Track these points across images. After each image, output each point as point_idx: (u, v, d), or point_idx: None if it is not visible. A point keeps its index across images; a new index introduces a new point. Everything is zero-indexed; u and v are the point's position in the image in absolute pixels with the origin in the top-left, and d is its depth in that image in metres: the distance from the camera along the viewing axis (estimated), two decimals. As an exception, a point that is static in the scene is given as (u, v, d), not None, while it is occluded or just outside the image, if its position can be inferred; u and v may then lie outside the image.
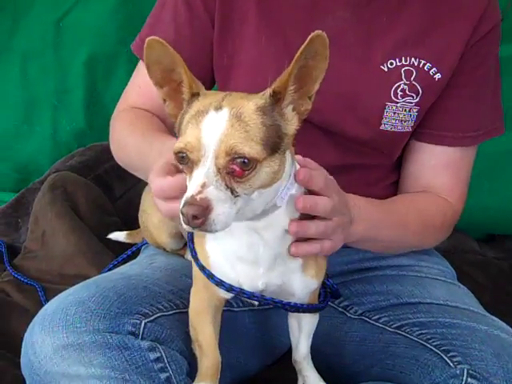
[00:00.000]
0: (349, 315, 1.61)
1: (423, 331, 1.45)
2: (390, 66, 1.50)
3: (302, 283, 1.25)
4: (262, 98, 1.06)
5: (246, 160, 1.01)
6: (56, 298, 1.35)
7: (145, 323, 1.29)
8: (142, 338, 1.27)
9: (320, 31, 1.02)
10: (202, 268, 1.23)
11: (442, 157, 1.63)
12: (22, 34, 2.57)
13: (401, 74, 1.50)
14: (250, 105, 1.04)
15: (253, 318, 1.59)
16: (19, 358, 1.35)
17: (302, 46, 1.03)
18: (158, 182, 1.18)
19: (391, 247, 1.62)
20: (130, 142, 1.55)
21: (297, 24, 1.50)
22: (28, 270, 2.16)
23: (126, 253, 1.90)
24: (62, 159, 2.53)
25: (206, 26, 1.55)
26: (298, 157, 1.23)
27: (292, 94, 1.08)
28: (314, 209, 1.18)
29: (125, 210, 2.39)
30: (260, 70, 1.50)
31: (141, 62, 1.66)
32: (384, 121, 1.52)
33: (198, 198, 0.98)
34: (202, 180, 1.00)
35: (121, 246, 2.26)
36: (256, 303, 1.36)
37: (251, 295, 1.24)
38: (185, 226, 1.02)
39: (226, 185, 1.01)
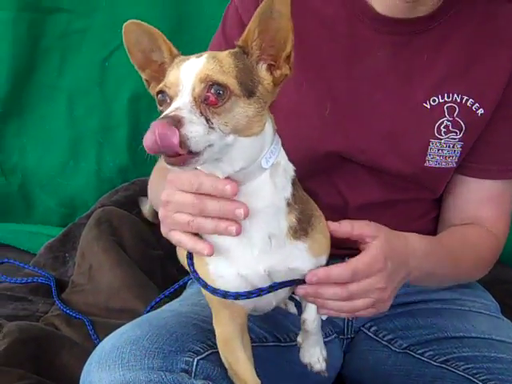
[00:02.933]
0: (393, 349, 1.62)
1: (469, 365, 1.45)
2: (432, 103, 1.50)
3: (310, 265, 1.23)
4: (235, 49, 1.12)
5: (220, 90, 1.04)
6: (111, 336, 1.38)
7: (197, 361, 1.31)
8: (195, 376, 1.29)
9: None
10: (198, 279, 1.23)
11: (487, 190, 1.62)
12: (69, 73, 2.64)
13: (444, 110, 1.50)
14: (225, 52, 1.10)
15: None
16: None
17: (261, 4, 1.07)
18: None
19: (444, 282, 1.63)
20: (153, 184, 1.60)
21: (338, 67, 1.52)
22: (76, 303, 2.20)
23: (173, 287, 1.91)
24: (107, 194, 2.57)
25: None
26: (328, 223, 1.24)
27: (257, 50, 1.11)
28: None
29: (168, 242, 2.40)
30: (302, 115, 1.53)
31: None
32: (428, 157, 1.52)
33: (171, 114, 1.00)
34: (176, 105, 1.03)
35: (164, 279, 2.30)
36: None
37: (248, 294, 1.21)
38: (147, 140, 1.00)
39: (201, 112, 1.03)
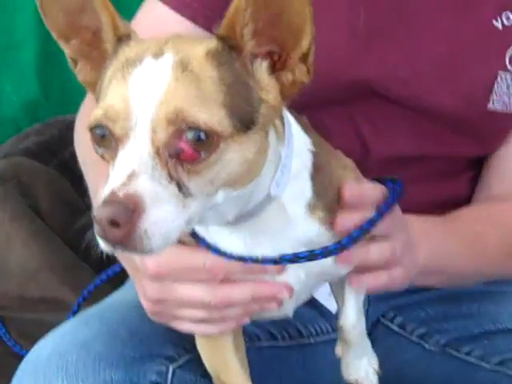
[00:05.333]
0: (428, 347, 1.61)
1: (534, 369, 1.45)
2: (506, 21, 1.47)
3: None
4: (213, 41, 0.95)
5: (201, 134, 0.88)
6: (48, 337, 1.35)
7: (173, 370, 1.31)
8: None
9: None
10: None
11: None
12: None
13: None
14: (199, 49, 0.93)
15: (302, 356, 1.60)
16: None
17: None
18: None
19: (463, 280, 1.58)
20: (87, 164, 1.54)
21: None
22: (-26, 293, 2.14)
23: (114, 267, 1.85)
24: (11, 140, 2.52)
25: None
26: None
27: (251, 40, 0.95)
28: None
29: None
30: (325, 23, 1.37)
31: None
32: (494, 97, 1.49)
33: (121, 193, 0.85)
34: (129, 166, 0.87)
35: (98, 257, 2.25)
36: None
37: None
38: (101, 243, 0.89)
39: (170, 174, 0.88)
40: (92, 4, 0.98)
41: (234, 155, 0.92)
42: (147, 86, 0.89)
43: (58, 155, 2.43)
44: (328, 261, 1.15)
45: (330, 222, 1.13)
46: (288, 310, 1.25)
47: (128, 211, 0.84)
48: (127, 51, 0.96)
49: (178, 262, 1.12)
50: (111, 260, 1.98)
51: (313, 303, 1.55)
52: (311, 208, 1.11)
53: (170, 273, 1.12)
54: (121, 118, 0.89)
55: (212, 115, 0.89)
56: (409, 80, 1.49)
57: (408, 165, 1.58)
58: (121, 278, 1.69)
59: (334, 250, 1.13)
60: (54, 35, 1.03)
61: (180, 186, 0.89)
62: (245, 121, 0.93)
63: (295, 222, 1.11)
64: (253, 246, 1.11)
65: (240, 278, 1.13)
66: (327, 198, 1.13)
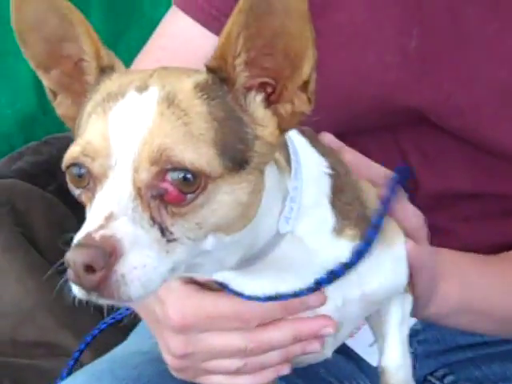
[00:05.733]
0: None
1: None
2: None
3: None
4: (202, 74, 0.96)
5: (187, 174, 0.89)
6: None
7: None
8: None
9: None
10: None
11: None
12: None
13: None
14: (187, 82, 0.94)
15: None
16: None
17: None
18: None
19: (503, 328, 1.56)
20: None
21: None
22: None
23: (122, 311, 1.82)
24: (3, 159, 2.50)
25: None
26: None
27: (245, 72, 0.96)
28: None
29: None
30: (373, 43, 1.48)
31: (174, 9, 1.58)
32: None
33: (97, 235, 0.84)
34: (107, 207, 0.87)
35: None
36: None
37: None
38: (75, 289, 0.87)
39: (152, 217, 0.89)
40: (74, 32, 1.00)
41: (224, 197, 0.93)
42: (129, 122, 0.90)
43: (56, 178, 2.39)
44: (365, 279, 1.18)
45: (361, 235, 1.15)
46: (327, 350, 1.25)
47: (105, 255, 0.84)
48: (109, 84, 0.98)
49: (204, 311, 1.13)
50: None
51: (350, 356, 1.54)
52: (338, 230, 1.14)
53: (196, 323, 1.13)
54: (99, 155, 0.90)
55: (200, 154, 0.89)
56: (465, 109, 1.47)
57: (462, 202, 1.58)
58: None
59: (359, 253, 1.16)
60: (33, 65, 1.04)
61: (163, 230, 0.90)
62: (237, 160, 0.93)
63: (320, 251, 1.13)
64: (279, 284, 1.12)
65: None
66: (354, 214, 1.16)
